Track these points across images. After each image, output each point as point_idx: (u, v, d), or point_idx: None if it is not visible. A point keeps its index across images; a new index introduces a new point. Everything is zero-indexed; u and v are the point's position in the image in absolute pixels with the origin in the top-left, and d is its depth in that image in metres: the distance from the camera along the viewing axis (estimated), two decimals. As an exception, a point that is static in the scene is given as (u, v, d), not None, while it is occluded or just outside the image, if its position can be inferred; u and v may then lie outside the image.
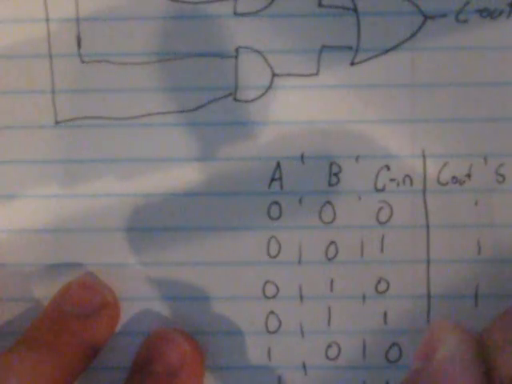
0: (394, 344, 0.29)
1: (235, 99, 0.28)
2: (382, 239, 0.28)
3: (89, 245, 0.29)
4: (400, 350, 0.29)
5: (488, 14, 0.27)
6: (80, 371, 0.27)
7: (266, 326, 0.29)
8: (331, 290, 0.28)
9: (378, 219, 0.28)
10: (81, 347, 0.27)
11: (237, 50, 0.28)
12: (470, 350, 0.23)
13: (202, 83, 0.28)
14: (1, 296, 0.29)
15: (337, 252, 0.28)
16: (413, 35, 0.27)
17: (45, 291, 0.29)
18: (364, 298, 0.28)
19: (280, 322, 0.29)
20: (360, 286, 0.28)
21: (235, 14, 0.27)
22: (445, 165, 0.28)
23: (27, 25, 0.28)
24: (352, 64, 0.28)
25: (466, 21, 0.27)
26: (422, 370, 0.23)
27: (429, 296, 0.28)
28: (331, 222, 0.28)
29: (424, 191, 0.28)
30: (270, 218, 0.28)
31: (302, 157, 0.28)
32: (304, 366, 0.29)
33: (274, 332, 0.29)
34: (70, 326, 0.27)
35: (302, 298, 0.29)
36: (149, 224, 0.28)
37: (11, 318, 0.29)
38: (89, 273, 0.29)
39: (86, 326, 0.27)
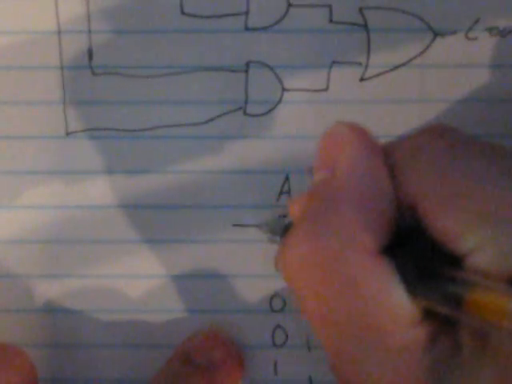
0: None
1: (245, 113, 0.28)
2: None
3: (100, 255, 0.29)
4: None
5: (497, 31, 0.27)
6: None
7: (273, 340, 0.29)
8: (338, 304, 0.28)
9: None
10: None
11: (247, 65, 0.28)
12: (374, 160, 0.19)
13: (212, 97, 0.28)
14: None
15: (344, 267, 0.28)
16: (422, 52, 0.27)
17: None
18: (371, 312, 0.28)
19: (287, 336, 0.29)
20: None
21: (246, 28, 0.27)
22: (453, 181, 0.28)
23: (39, 37, 0.28)
24: (362, 80, 0.28)
25: (475, 38, 0.27)
26: (324, 182, 0.20)
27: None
28: (339, 236, 0.28)
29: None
30: (279, 231, 0.28)
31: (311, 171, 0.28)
32: (310, 380, 0.29)
33: (280, 345, 0.29)
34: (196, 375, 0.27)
35: (309, 311, 0.29)
36: (161, 235, 0.29)
37: None
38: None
39: (211, 378, 0.27)
